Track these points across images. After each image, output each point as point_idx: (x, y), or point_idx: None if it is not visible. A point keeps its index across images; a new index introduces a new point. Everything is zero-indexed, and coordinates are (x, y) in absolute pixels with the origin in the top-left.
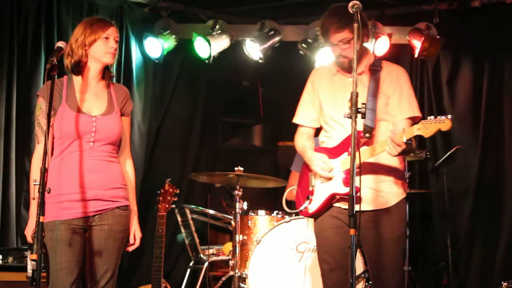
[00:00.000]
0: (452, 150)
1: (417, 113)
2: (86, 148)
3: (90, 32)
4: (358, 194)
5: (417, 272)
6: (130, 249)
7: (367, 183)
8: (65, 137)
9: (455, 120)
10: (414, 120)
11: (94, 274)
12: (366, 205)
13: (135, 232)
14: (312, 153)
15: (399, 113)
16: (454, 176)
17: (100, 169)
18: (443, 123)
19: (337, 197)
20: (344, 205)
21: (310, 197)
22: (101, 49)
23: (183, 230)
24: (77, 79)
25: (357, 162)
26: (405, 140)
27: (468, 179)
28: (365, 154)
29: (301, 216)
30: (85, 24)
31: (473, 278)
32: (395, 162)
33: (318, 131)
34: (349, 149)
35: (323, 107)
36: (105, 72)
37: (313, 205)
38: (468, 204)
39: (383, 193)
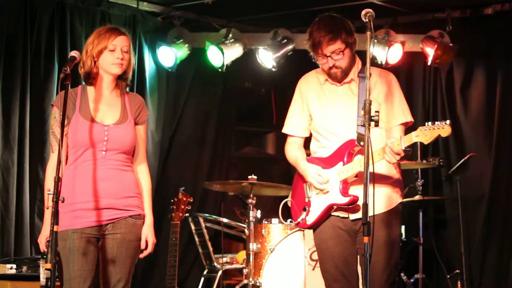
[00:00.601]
0: (466, 158)
1: (409, 118)
2: (99, 157)
3: (97, 43)
4: (357, 203)
5: (431, 280)
6: (142, 255)
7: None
8: (78, 146)
9: (468, 127)
10: (406, 126)
11: (107, 282)
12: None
13: (147, 237)
14: (306, 164)
15: (391, 120)
16: (468, 183)
17: (113, 177)
18: (443, 129)
19: (335, 207)
20: (342, 214)
21: (307, 208)
22: (108, 60)
23: (196, 239)
24: (91, 89)
25: (356, 171)
26: (403, 148)
27: (481, 186)
28: (361, 163)
29: None
30: (95, 34)
31: (487, 285)
32: (390, 169)
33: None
34: (344, 158)
35: (313, 116)
36: (118, 81)
37: (311, 217)
38: (482, 211)
39: (378, 198)
